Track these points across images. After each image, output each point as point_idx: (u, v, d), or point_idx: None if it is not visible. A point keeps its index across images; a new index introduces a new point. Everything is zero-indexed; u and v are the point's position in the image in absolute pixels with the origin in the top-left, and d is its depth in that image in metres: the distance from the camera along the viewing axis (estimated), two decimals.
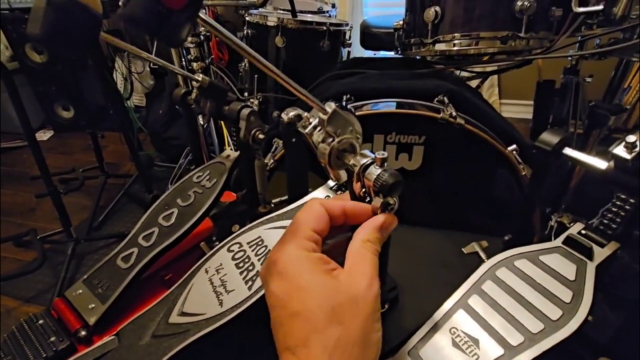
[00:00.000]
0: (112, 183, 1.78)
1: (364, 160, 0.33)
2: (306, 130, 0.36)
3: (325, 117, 0.33)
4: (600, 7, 0.77)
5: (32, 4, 0.32)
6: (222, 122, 1.42)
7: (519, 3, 0.77)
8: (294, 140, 0.45)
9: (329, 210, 0.31)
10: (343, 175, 0.40)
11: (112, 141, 2.21)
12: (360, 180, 0.33)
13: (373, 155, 0.33)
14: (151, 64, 1.98)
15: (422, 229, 0.65)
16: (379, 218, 0.31)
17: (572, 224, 0.44)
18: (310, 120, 0.36)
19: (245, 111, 0.48)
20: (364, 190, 0.34)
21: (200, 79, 0.48)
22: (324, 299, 0.26)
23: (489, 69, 1.31)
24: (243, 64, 1.58)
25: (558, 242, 0.39)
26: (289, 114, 0.43)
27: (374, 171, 0.32)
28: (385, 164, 0.32)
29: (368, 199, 0.34)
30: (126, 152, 2.06)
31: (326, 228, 0.31)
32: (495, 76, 2.18)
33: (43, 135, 2.44)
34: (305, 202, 0.45)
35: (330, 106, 0.33)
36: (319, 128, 0.36)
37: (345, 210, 0.32)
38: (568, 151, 0.37)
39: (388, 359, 0.37)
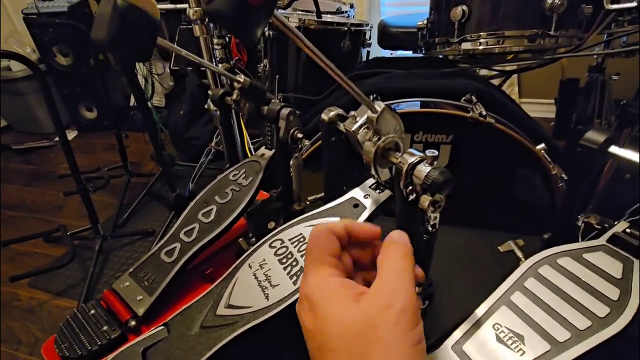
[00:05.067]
0: (135, 182, 1.83)
1: (412, 159, 0.34)
2: (353, 129, 0.37)
3: (374, 115, 0.34)
4: (634, 3, 0.76)
5: (97, 11, 0.34)
6: (242, 124, 1.44)
7: (550, 1, 0.76)
8: (333, 139, 0.46)
9: (332, 231, 0.30)
10: (385, 173, 0.41)
11: (133, 141, 2.26)
12: (408, 178, 0.34)
13: (420, 154, 0.34)
14: (171, 66, 2.02)
15: (452, 228, 0.65)
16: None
17: (600, 225, 0.44)
18: (357, 119, 0.37)
19: (285, 111, 0.50)
20: (410, 188, 0.35)
21: (242, 80, 0.50)
22: (343, 326, 0.24)
23: (508, 68, 1.29)
24: (262, 65, 1.59)
25: (602, 240, 0.39)
26: (330, 113, 0.44)
27: (424, 169, 0.32)
28: (435, 163, 0.33)
29: (413, 196, 0.35)
30: (147, 151, 2.10)
31: (338, 248, 0.30)
32: (515, 75, 2.15)
33: (68, 136, 2.52)
34: (344, 200, 0.46)
35: (380, 105, 0.34)
36: (365, 126, 0.37)
37: (347, 228, 0.31)
38: (614, 149, 0.37)
39: (430, 354, 0.38)
